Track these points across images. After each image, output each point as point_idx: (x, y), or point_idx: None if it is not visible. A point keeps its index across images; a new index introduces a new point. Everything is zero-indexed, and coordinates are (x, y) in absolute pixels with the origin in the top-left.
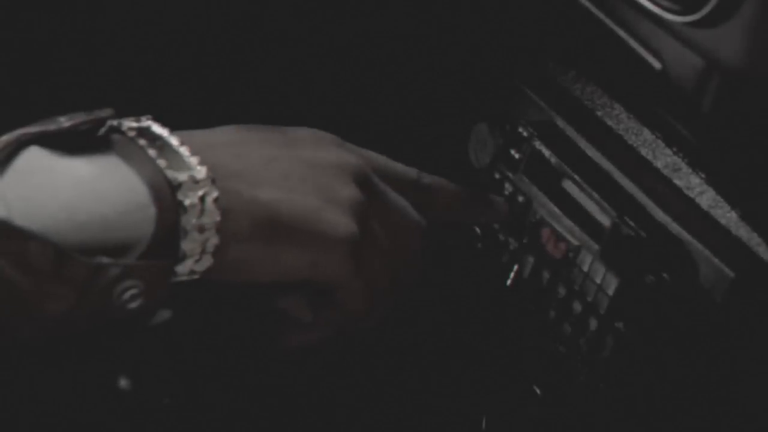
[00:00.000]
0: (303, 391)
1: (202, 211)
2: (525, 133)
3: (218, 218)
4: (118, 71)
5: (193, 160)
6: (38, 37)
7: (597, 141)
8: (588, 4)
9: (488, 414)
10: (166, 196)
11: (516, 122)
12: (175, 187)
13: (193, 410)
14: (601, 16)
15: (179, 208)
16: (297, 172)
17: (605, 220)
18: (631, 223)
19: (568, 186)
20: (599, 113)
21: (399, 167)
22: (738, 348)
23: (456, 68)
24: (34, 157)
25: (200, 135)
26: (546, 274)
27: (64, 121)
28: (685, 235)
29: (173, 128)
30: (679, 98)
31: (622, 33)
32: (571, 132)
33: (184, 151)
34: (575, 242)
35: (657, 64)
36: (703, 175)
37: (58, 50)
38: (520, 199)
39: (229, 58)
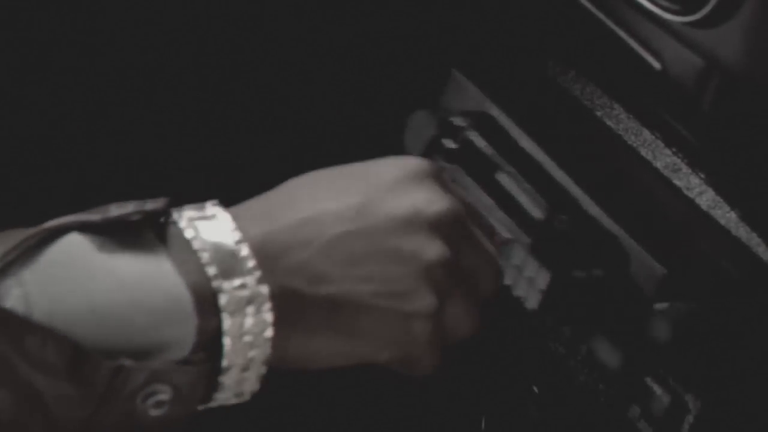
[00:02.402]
0: (303, 390)
1: (250, 321)
2: (460, 123)
3: (269, 330)
4: (119, 71)
5: (250, 264)
6: (38, 37)
7: (532, 132)
8: (587, 4)
9: (488, 414)
10: (212, 305)
11: (451, 112)
12: (221, 296)
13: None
14: (601, 16)
15: (223, 317)
16: (370, 250)
17: (538, 214)
18: (564, 217)
19: (502, 178)
20: (599, 113)
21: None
22: (738, 348)
23: (393, 55)
24: (70, 247)
25: (261, 216)
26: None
27: (114, 210)
28: (618, 230)
29: (177, 129)
30: (679, 98)
31: (621, 33)
32: (506, 122)
33: (242, 250)
34: (508, 235)
35: (657, 65)
36: (702, 176)
37: (58, 50)
38: None
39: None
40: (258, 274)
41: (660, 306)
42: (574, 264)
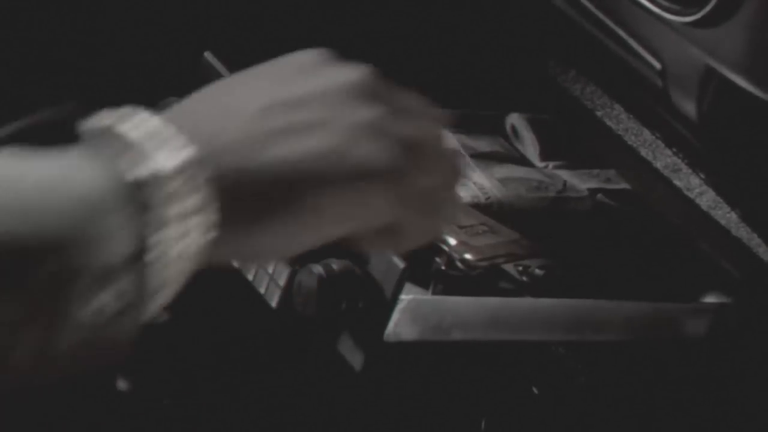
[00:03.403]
0: (302, 391)
1: (183, 209)
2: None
3: (212, 212)
4: (118, 71)
5: (179, 140)
6: (38, 37)
7: None
8: (588, 4)
9: (488, 415)
10: (137, 203)
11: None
12: (145, 188)
13: (192, 410)
14: (601, 15)
15: (149, 212)
16: (300, 115)
17: None
18: None
19: None
20: (599, 113)
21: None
22: (738, 349)
23: (151, 40)
24: None
25: (183, 113)
26: None
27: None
28: None
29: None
30: (679, 98)
31: (622, 33)
32: None
33: (168, 130)
34: None
35: (657, 64)
36: (703, 176)
37: (58, 50)
38: None
39: None
40: (186, 151)
41: None
42: (310, 259)
